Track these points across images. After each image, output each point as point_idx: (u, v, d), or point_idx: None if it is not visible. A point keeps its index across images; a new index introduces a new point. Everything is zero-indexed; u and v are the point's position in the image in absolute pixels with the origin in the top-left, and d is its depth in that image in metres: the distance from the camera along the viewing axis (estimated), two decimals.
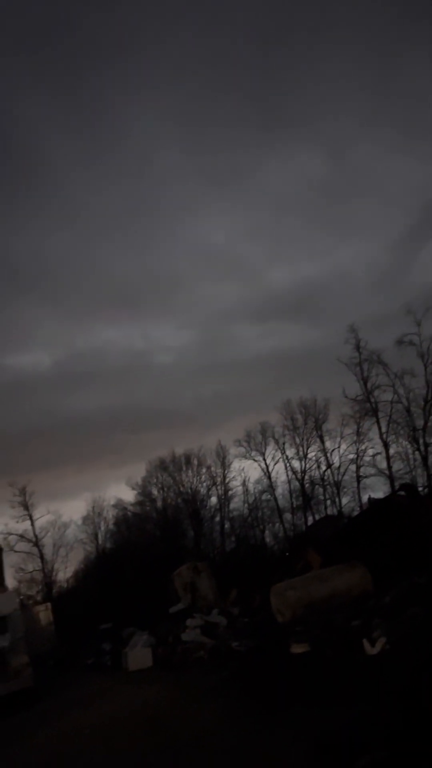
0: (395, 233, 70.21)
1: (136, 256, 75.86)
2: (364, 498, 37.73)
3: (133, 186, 74.04)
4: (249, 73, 67.40)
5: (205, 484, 47.61)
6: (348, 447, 42.94)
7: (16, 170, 72.25)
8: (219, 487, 47.35)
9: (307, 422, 45.01)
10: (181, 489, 47.56)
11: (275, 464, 46.10)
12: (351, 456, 42.71)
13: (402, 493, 21.32)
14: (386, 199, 69.13)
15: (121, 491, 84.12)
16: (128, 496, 50.29)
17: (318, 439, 44.50)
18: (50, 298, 74.82)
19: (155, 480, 48.36)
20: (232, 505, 47.24)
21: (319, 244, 72.67)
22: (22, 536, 43.68)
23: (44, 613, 23.42)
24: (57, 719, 12.89)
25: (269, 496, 45.85)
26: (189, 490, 47.36)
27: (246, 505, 46.59)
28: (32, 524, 44.43)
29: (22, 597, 31.60)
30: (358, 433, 42.00)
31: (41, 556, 44.40)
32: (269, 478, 45.98)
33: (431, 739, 5.55)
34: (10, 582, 32.34)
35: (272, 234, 75.14)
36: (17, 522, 43.75)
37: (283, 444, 45.62)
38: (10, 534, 42.26)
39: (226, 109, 69.78)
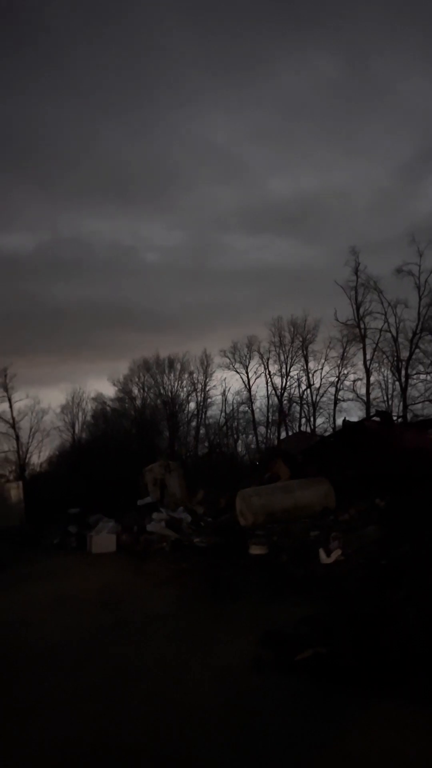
0: (405, 156, 67.27)
1: (132, 145, 71.48)
2: (339, 420, 38.56)
3: (134, 66, 68.53)
4: None
5: (185, 389, 48.14)
6: (330, 369, 43.32)
7: (12, 33, 66.02)
8: (199, 394, 47.97)
9: (294, 341, 45.06)
10: (162, 391, 48.06)
11: (257, 378, 46.57)
12: (332, 379, 43.17)
13: (377, 419, 21.61)
14: (401, 119, 65.65)
15: (100, 386, 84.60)
16: (108, 391, 50.68)
17: (302, 359, 44.74)
18: (37, 177, 70.91)
19: (137, 379, 48.71)
20: (209, 413, 48.08)
21: (325, 157, 69.28)
22: None
23: (15, 491, 24.10)
24: (14, 589, 13.46)
25: (247, 408, 46.62)
26: (169, 393, 47.87)
27: (223, 414, 47.42)
28: (10, 406, 44.99)
29: None
30: (342, 357, 42.27)
31: (17, 438, 45.30)
32: (249, 390, 46.58)
33: (366, 640, 5.86)
34: None
35: (276, 139, 71.12)
36: None
37: (268, 359, 45.85)
38: None
39: None
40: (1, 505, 21.75)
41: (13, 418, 45.02)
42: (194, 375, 47.86)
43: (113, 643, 7.77)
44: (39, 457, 47.81)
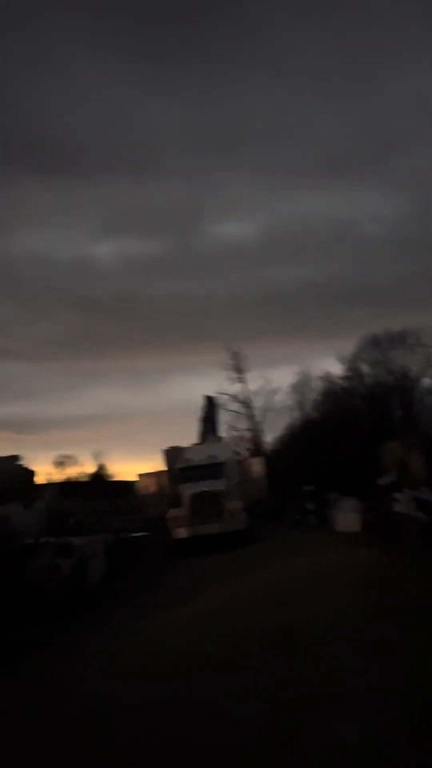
0: None
1: (345, 113, 67.63)
2: None
3: (341, 27, 64.18)
4: None
5: (419, 364, 45.07)
6: None
7: (213, 18, 66.28)
8: None
9: None
10: (393, 367, 45.64)
11: None
12: None
13: None
14: None
15: (328, 364, 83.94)
16: (336, 369, 49.74)
17: None
18: (252, 161, 71.25)
19: (365, 356, 46.92)
20: None
21: None
22: (234, 397, 46.35)
23: (257, 466, 24.81)
24: (277, 562, 13.53)
25: None
26: (401, 369, 45.30)
27: None
28: (244, 387, 46.79)
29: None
30: None
31: (251, 417, 46.99)
32: None
33: None
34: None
35: None
36: (230, 384, 46.33)
37: None
38: (224, 394, 44.98)
39: None
40: (244, 478, 22.53)
41: (247, 398, 46.85)
42: (429, 349, 44.51)
43: (392, 632, 7.06)
44: (272, 435, 49.09)
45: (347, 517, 17.85)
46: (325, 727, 4.46)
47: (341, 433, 39.35)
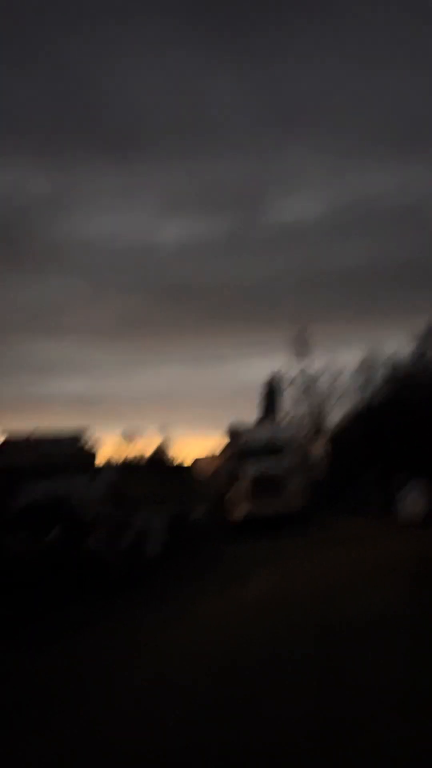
0: None
1: (412, 87, 63.91)
2: None
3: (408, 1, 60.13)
4: None
5: None
6: None
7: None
8: None
9: None
10: None
11: None
12: None
13: None
14: None
15: (395, 346, 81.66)
16: (404, 351, 48.11)
17: None
18: (317, 137, 68.68)
19: None
20: None
21: None
22: (297, 378, 45.62)
23: (318, 448, 24.33)
24: (326, 550, 13.11)
25: None
26: None
27: None
28: (308, 367, 45.94)
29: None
30: None
31: (314, 398, 46.17)
32: None
33: None
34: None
35: None
36: (294, 365, 45.56)
37: None
38: (287, 375, 44.34)
39: None
40: (306, 462, 22.16)
41: (311, 379, 46.04)
42: None
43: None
44: (335, 417, 48.16)
45: (413, 502, 17.22)
46: (368, 726, 4.20)
47: (408, 415, 38.16)
